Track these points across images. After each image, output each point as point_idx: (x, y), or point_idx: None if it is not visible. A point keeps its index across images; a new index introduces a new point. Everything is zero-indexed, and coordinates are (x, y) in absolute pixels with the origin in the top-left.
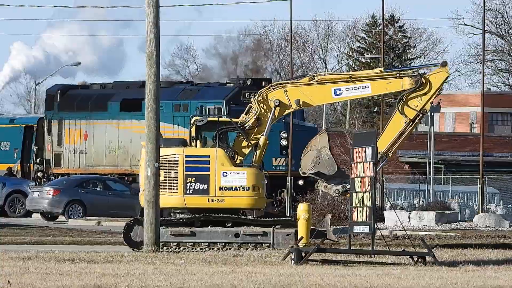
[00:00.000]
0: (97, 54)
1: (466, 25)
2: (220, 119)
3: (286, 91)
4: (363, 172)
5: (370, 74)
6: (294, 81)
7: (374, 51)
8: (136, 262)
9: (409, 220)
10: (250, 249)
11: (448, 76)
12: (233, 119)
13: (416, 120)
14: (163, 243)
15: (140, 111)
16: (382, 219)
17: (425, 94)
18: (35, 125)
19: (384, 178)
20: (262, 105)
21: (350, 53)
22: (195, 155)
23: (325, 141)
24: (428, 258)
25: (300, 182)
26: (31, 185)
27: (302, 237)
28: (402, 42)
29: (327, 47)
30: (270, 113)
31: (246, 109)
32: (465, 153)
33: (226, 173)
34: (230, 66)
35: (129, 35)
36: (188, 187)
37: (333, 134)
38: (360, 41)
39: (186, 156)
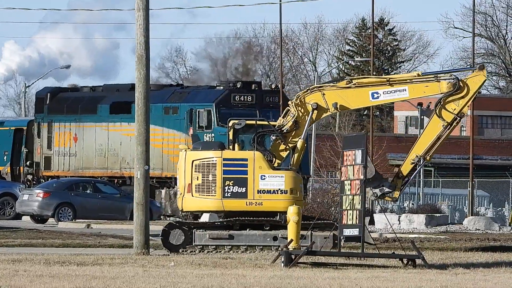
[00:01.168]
0: (91, 57)
1: (456, 28)
2: (258, 122)
3: (324, 94)
4: (353, 175)
5: (408, 78)
6: (332, 84)
7: (364, 54)
8: (126, 264)
9: (399, 223)
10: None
11: (485, 80)
12: (271, 122)
13: (453, 124)
14: (201, 246)
15: (130, 113)
16: (372, 222)
17: (462, 97)
18: (25, 128)
19: None
20: (299, 108)
21: (340, 56)
22: (233, 158)
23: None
24: (418, 261)
25: None
26: (21, 187)
27: (292, 240)
28: (392, 45)
29: (317, 50)
30: (308, 116)
31: (284, 112)
32: (455, 156)
33: (264, 176)
34: (220, 69)
35: (123, 38)
36: (226, 190)
37: (323, 137)
38: (350, 44)
39: (224, 159)
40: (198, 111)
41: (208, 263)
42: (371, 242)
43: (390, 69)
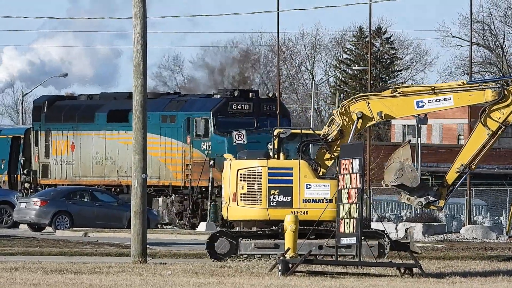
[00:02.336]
0: (92, 65)
1: (453, 36)
2: (303, 131)
3: (368, 103)
4: (350, 184)
5: (453, 86)
6: (376, 93)
7: (361, 62)
8: (123, 273)
9: (396, 232)
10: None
11: None
12: (316, 131)
13: (498, 132)
14: (246, 255)
15: (127, 122)
16: None
17: (507, 106)
18: (22, 136)
19: (371, 190)
20: (344, 117)
21: (338, 65)
22: (279, 167)
23: (408, 154)
24: (415, 270)
25: None
26: (18, 196)
27: (289, 248)
28: (389, 54)
29: (314, 59)
30: (353, 125)
31: (329, 121)
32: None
33: (310, 185)
34: (217, 77)
35: (123, 46)
36: (271, 200)
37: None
38: (348, 52)
39: (270, 168)
40: (196, 119)
41: (205, 272)
42: (418, 251)
43: (387, 77)
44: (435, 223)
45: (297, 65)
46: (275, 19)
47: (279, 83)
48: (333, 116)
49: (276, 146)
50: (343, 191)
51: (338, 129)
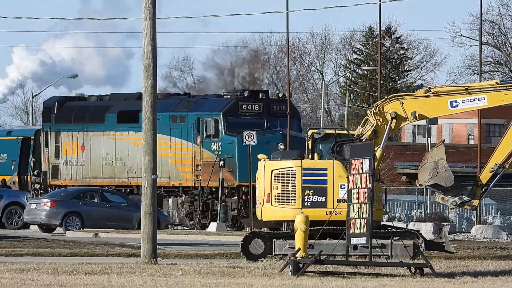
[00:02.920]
0: (103, 66)
1: (463, 36)
2: (338, 131)
3: (402, 103)
4: (360, 184)
5: (486, 86)
6: (410, 93)
7: (371, 62)
8: (134, 273)
9: None
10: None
11: None
12: (350, 132)
13: None
14: (281, 255)
15: (137, 122)
16: None
17: None
18: (32, 137)
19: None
20: (378, 117)
21: (347, 65)
22: (313, 168)
23: (442, 153)
24: (426, 270)
25: None
26: (28, 197)
27: (299, 248)
28: (399, 54)
29: (324, 59)
30: (387, 125)
31: (363, 121)
32: (462, 165)
33: (344, 185)
34: (227, 78)
35: (135, 47)
36: (306, 200)
37: None
38: (357, 52)
39: (304, 168)
40: (206, 120)
41: (215, 272)
42: (452, 251)
43: (397, 77)
44: (445, 223)
45: (307, 65)
46: (285, 19)
47: (289, 83)
48: (367, 116)
49: (310, 147)
50: (353, 191)
51: (372, 129)
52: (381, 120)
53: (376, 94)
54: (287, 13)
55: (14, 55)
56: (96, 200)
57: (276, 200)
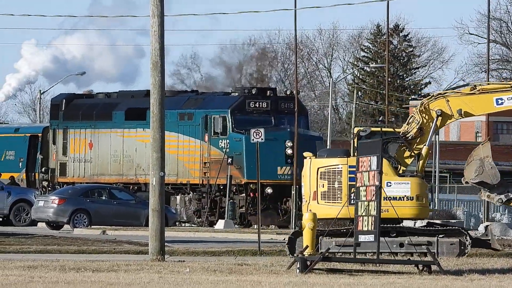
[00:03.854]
0: (114, 63)
1: (471, 34)
2: (383, 129)
3: (448, 101)
4: (368, 181)
5: None
6: (456, 90)
7: (379, 60)
8: (142, 271)
9: None
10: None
11: None
12: (396, 129)
13: None
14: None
15: (145, 120)
16: None
17: None
18: (40, 134)
19: None
20: (424, 115)
21: (355, 62)
22: None
23: (488, 151)
24: (434, 267)
25: None
26: (36, 194)
27: (307, 246)
28: (407, 51)
29: (331, 56)
30: (432, 123)
31: (408, 119)
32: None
33: (390, 183)
34: (235, 75)
35: (146, 44)
36: (352, 197)
37: (338, 143)
38: (365, 50)
39: (350, 166)
40: (214, 117)
41: (223, 269)
42: (498, 248)
43: (405, 75)
44: (453, 220)
45: (315, 63)
46: (293, 16)
47: (296, 81)
48: (413, 114)
49: (355, 144)
50: (361, 188)
51: (418, 127)
52: (426, 117)
53: (383, 91)
54: (295, 10)
55: (25, 51)
56: (104, 198)
57: (322, 198)
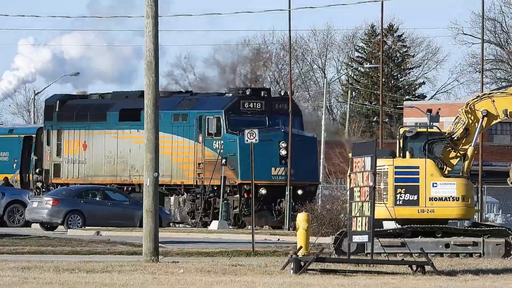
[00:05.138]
0: (112, 63)
1: (465, 34)
2: (429, 130)
3: (493, 101)
4: (362, 182)
5: None
6: (501, 91)
7: (373, 60)
8: (135, 271)
9: None
10: (460, 259)
11: None
12: (442, 130)
13: None
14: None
15: (139, 120)
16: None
17: None
18: (34, 135)
19: None
20: (469, 115)
21: (349, 63)
22: (405, 166)
23: None
24: (427, 268)
25: (299, 192)
26: (30, 195)
27: (301, 247)
28: (401, 52)
29: (326, 57)
30: (478, 123)
31: (454, 119)
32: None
33: (436, 183)
34: (229, 76)
35: (143, 44)
36: (398, 198)
37: (332, 144)
38: (359, 50)
39: (396, 167)
40: (208, 118)
41: (217, 270)
42: None
43: (399, 75)
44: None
45: (309, 63)
46: (287, 17)
47: (291, 81)
48: (458, 115)
49: (401, 145)
50: (355, 189)
51: (463, 127)
52: (472, 118)
53: (378, 92)
54: (289, 11)
55: (22, 50)
56: (98, 199)
57: None
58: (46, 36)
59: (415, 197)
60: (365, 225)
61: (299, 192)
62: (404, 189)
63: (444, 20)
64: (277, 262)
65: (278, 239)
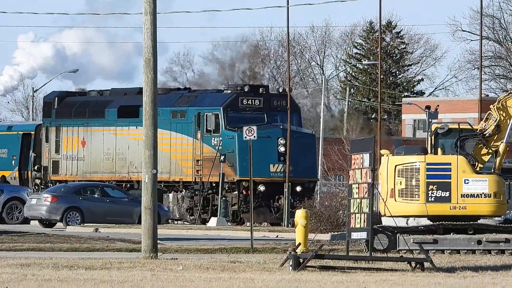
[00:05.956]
0: (112, 60)
1: (464, 31)
2: (461, 126)
3: None
4: (361, 179)
5: None
6: None
7: (371, 57)
8: (134, 268)
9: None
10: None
11: None
12: (474, 127)
13: None
14: (405, 251)
15: (138, 117)
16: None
17: None
18: (33, 132)
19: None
20: (501, 112)
21: (348, 59)
22: (437, 163)
23: None
24: (426, 264)
25: (298, 189)
26: (29, 192)
27: (300, 243)
28: (399, 48)
29: (324, 54)
30: (510, 120)
31: (485, 116)
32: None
33: (468, 180)
34: (227, 72)
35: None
36: (429, 195)
37: (331, 141)
38: (358, 47)
39: (428, 163)
40: (206, 115)
41: (216, 267)
42: None
43: (397, 72)
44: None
45: (307, 60)
46: (285, 13)
47: (289, 78)
48: (490, 111)
49: (432, 142)
50: (353, 186)
51: (495, 124)
52: (504, 115)
53: (376, 89)
54: (288, 7)
55: (22, 46)
56: (96, 195)
57: (400, 196)
58: (46, 33)
59: (447, 194)
60: (364, 221)
61: (298, 188)
62: (436, 186)
63: (443, 16)
64: (275, 259)
65: (277, 236)
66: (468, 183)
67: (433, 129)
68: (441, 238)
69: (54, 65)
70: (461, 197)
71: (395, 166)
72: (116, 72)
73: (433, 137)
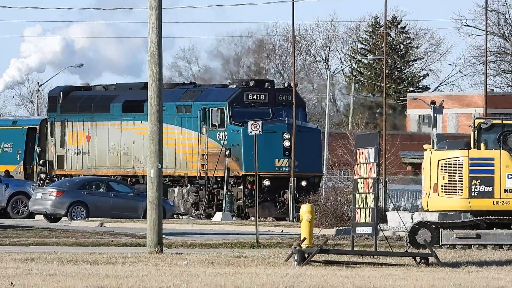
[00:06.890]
0: (121, 55)
1: (469, 26)
2: (504, 121)
3: None
4: (366, 173)
5: None
6: None
7: (376, 52)
8: (139, 263)
9: (412, 221)
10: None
11: None
12: None
13: None
14: (448, 245)
15: (143, 112)
16: (384, 220)
17: None
18: (38, 127)
19: (387, 179)
20: None
21: (353, 55)
22: (480, 158)
23: None
24: (431, 259)
25: (303, 183)
26: (34, 186)
27: (305, 238)
28: (404, 43)
29: (329, 49)
30: None
31: None
32: None
33: (511, 175)
34: (232, 67)
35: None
36: (473, 190)
37: (336, 135)
38: (363, 42)
39: (471, 158)
40: (211, 109)
41: (221, 262)
42: None
43: (402, 67)
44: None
45: (313, 55)
46: (290, 8)
47: (294, 73)
48: None
49: (475, 137)
50: (358, 180)
51: None
52: None
53: (381, 84)
54: (293, 2)
55: (29, 39)
56: (101, 190)
57: (443, 190)
58: (52, 27)
59: (490, 189)
60: (369, 216)
61: (303, 183)
62: (479, 181)
63: (448, 12)
64: (280, 253)
65: (282, 231)
66: (511, 178)
67: (476, 124)
68: (484, 233)
69: (63, 59)
70: (504, 192)
71: (438, 161)
72: (124, 67)
73: (476, 132)
